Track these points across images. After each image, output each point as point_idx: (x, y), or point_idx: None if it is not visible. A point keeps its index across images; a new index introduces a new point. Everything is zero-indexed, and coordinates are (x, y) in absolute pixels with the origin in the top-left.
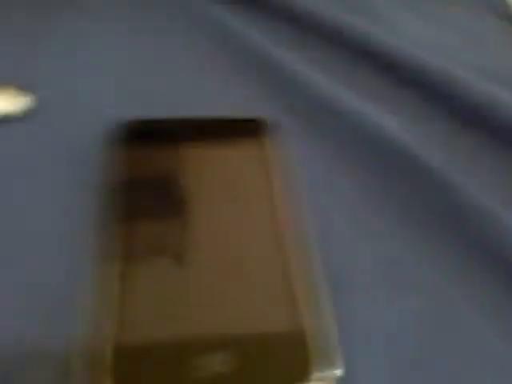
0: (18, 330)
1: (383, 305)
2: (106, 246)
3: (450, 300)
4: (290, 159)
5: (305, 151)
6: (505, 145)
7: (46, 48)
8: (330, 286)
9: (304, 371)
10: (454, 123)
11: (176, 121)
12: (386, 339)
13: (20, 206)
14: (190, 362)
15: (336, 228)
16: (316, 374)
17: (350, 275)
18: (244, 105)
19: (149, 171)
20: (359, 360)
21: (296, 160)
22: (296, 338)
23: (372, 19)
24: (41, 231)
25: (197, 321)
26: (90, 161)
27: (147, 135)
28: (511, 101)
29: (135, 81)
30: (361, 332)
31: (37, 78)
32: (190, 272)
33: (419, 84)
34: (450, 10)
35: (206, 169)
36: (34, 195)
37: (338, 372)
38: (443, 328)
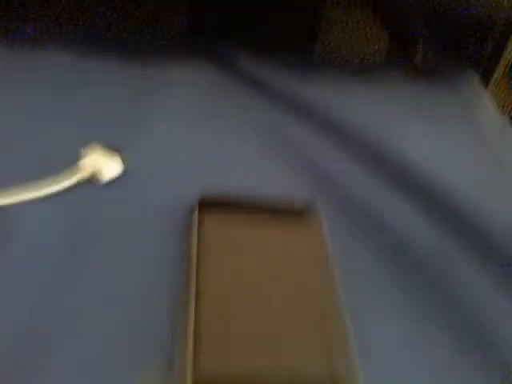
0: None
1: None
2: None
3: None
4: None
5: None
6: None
7: (138, 122)
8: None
9: None
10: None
11: (245, 202)
12: None
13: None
14: None
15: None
16: None
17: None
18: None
19: (220, 244)
20: None
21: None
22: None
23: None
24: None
25: (258, 360)
26: (170, 230)
27: (218, 210)
28: None
29: (213, 160)
30: None
31: (126, 146)
32: (255, 323)
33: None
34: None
35: (268, 242)
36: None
37: None
38: None
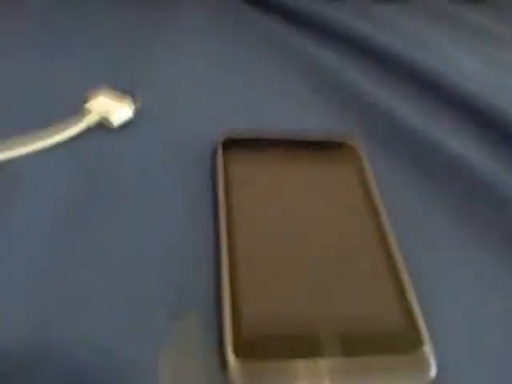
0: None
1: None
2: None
3: None
4: (372, 173)
5: (381, 167)
6: None
7: (150, 57)
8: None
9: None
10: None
11: (274, 138)
12: (474, 337)
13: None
14: (309, 351)
15: (419, 238)
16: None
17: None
18: (325, 123)
19: (252, 185)
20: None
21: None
22: (401, 336)
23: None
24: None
25: (311, 304)
26: (191, 174)
27: (247, 149)
28: None
29: (231, 96)
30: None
31: (138, 84)
32: (302, 261)
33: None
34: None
35: (305, 179)
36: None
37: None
38: None
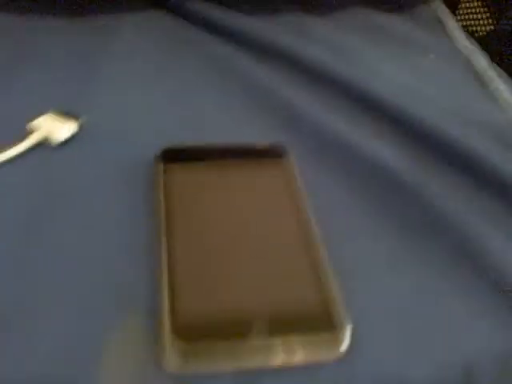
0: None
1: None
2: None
3: (433, 287)
4: (300, 178)
5: (310, 173)
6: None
7: (92, 81)
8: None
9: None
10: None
11: (209, 147)
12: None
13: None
14: (240, 332)
15: (342, 231)
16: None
17: (355, 269)
18: (259, 136)
19: (189, 190)
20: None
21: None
22: (318, 312)
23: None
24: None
25: (242, 295)
26: (133, 183)
27: (184, 159)
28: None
29: (168, 114)
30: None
31: (81, 105)
32: (233, 256)
33: (402, 123)
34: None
35: (237, 184)
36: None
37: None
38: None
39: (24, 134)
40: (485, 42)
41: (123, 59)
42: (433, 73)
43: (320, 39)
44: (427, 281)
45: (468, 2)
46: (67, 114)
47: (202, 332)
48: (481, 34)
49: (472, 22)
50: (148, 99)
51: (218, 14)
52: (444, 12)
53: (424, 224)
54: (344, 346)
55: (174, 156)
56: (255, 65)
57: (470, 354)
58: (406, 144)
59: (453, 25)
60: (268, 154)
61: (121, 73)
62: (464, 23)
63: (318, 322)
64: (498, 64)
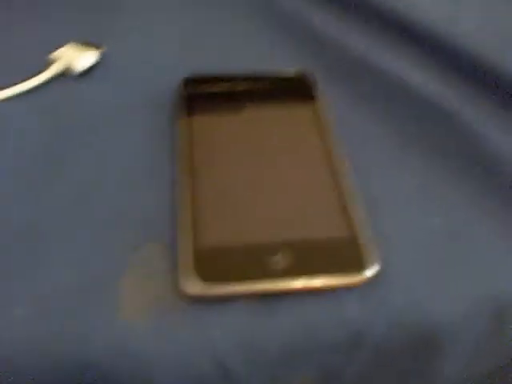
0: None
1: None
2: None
3: (465, 219)
4: (328, 107)
5: (339, 100)
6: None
7: (114, 11)
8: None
9: (355, 265)
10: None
11: (232, 76)
12: (415, 245)
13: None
14: (261, 260)
15: (371, 163)
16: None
17: (386, 199)
18: (286, 63)
19: (212, 122)
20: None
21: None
22: (344, 241)
23: None
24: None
25: (265, 226)
26: (155, 114)
27: (205, 90)
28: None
29: (192, 43)
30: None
31: (103, 35)
32: (256, 189)
33: (436, 48)
34: None
35: (262, 115)
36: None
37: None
38: (459, 238)
39: (46, 65)
40: None
41: None
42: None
43: None
44: (458, 211)
45: None
46: (89, 43)
47: (223, 260)
48: None
49: None
50: (172, 29)
51: None
52: None
53: (457, 152)
54: (371, 272)
55: (197, 85)
56: None
57: (501, 290)
58: (439, 70)
59: None
60: (295, 82)
61: (144, 2)
62: None
63: (345, 254)
64: None
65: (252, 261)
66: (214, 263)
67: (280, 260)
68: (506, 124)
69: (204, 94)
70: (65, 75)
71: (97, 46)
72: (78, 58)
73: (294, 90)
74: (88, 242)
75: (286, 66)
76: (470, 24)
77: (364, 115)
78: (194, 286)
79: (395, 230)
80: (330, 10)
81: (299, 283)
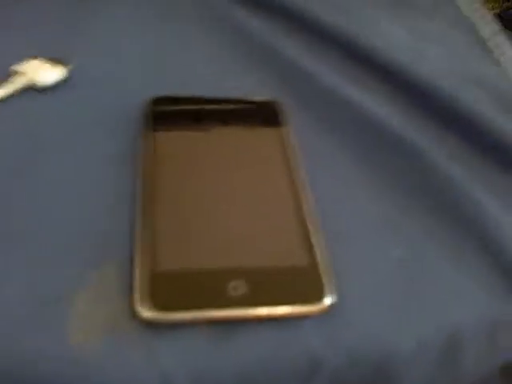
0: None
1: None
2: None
3: (424, 251)
4: (294, 134)
5: (306, 127)
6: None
7: (82, 28)
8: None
9: (311, 296)
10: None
11: (201, 98)
12: (374, 278)
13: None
14: (218, 287)
15: (333, 191)
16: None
17: (347, 229)
18: (251, 90)
19: (176, 142)
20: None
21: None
22: (304, 270)
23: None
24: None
25: (224, 252)
26: (118, 132)
27: (173, 110)
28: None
29: (158, 62)
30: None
31: (70, 52)
32: (217, 214)
33: (400, 80)
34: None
35: (228, 140)
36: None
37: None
38: (417, 271)
39: (9, 77)
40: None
41: (116, 4)
42: (435, 35)
43: None
44: (416, 243)
45: None
46: (55, 59)
47: (179, 286)
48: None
49: None
50: (139, 47)
51: None
52: None
53: (418, 184)
54: (329, 301)
55: (162, 106)
56: (252, 17)
57: (457, 319)
58: (404, 103)
59: None
60: (263, 108)
61: (112, 19)
62: None
63: (304, 283)
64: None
65: (209, 287)
66: (170, 288)
67: (238, 287)
68: (467, 159)
69: (171, 114)
70: (29, 90)
71: (63, 63)
72: (43, 72)
73: (261, 115)
74: (42, 258)
75: (256, 93)
76: (435, 63)
77: (329, 144)
78: (148, 311)
79: (354, 260)
80: (302, 41)
81: (257, 311)
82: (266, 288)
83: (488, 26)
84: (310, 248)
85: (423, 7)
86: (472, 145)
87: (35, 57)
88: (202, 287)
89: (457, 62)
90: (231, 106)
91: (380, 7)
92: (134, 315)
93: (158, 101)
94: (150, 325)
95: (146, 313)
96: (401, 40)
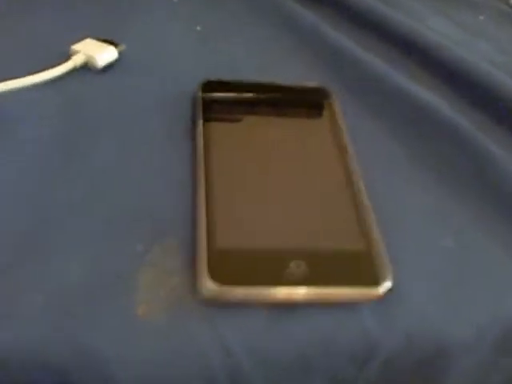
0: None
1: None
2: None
3: (476, 239)
4: (343, 120)
5: (353, 114)
6: None
7: (134, 8)
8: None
9: (368, 280)
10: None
11: (251, 83)
12: (427, 265)
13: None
14: (277, 267)
15: (382, 180)
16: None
17: (398, 217)
18: (300, 77)
19: (230, 126)
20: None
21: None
22: (361, 255)
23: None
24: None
25: (282, 233)
26: (175, 112)
27: (223, 94)
28: None
29: (207, 47)
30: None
31: (121, 34)
32: (276, 197)
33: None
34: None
35: (278, 126)
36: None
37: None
38: (471, 259)
39: (67, 56)
40: None
41: None
42: (482, 30)
43: None
44: (468, 231)
45: None
46: (107, 40)
47: (239, 264)
48: None
49: None
50: (188, 33)
51: None
52: None
53: (470, 172)
54: (385, 287)
55: (215, 88)
56: (302, 7)
57: (509, 313)
58: (453, 93)
59: None
60: (311, 95)
61: (160, 3)
62: None
63: (361, 267)
64: None
65: (270, 266)
66: (233, 265)
67: (298, 267)
68: None
69: (224, 98)
70: (85, 68)
71: (115, 44)
72: (97, 53)
73: (311, 100)
74: (102, 237)
75: (305, 79)
76: (485, 51)
77: (378, 130)
78: (211, 286)
79: (406, 248)
80: (352, 32)
81: (317, 291)
82: (327, 270)
83: None
84: (367, 233)
85: (471, 1)
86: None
87: (88, 35)
88: (263, 265)
89: (504, 54)
90: (281, 91)
91: (429, 2)
92: (198, 289)
93: (209, 84)
94: (213, 300)
95: (212, 286)
96: (450, 34)
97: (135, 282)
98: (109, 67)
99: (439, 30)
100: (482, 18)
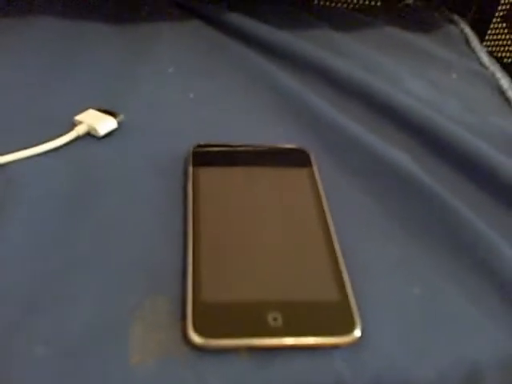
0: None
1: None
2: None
3: (441, 288)
4: (321, 179)
5: (327, 171)
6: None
7: (132, 80)
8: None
9: (340, 328)
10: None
11: (238, 146)
12: (396, 312)
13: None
14: (258, 317)
15: (353, 232)
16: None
17: (369, 267)
18: (283, 138)
19: (218, 184)
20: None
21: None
22: (332, 304)
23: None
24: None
25: (262, 287)
26: (165, 175)
27: (213, 155)
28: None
29: (198, 113)
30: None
31: (119, 104)
32: (256, 250)
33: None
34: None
35: (262, 182)
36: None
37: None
38: (436, 306)
39: (69, 127)
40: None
41: (159, 62)
42: (454, 89)
43: (346, 53)
44: (435, 281)
45: (496, 28)
46: (107, 110)
47: (223, 316)
48: (508, 60)
49: (499, 49)
50: (181, 101)
51: (251, 25)
52: (470, 33)
53: (436, 225)
54: (358, 333)
55: (204, 152)
56: (285, 77)
57: (475, 356)
58: (422, 152)
59: (478, 46)
60: (290, 155)
61: (156, 75)
62: (492, 49)
63: (336, 316)
64: None
65: (249, 318)
66: (214, 319)
67: (276, 318)
68: (479, 204)
69: (212, 159)
70: (88, 136)
71: (114, 114)
72: (98, 123)
73: (291, 160)
74: (102, 288)
75: (282, 140)
76: (453, 111)
77: (351, 186)
78: (199, 337)
79: (377, 296)
80: (329, 95)
81: (293, 340)
82: (301, 320)
83: (507, 77)
84: (340, 283)
85: (443, 60)
86: (488, 190)
87: (89, 106)
88: (244, 317)
89: (474, 114)
90: (265, 152)
91: (403, 62)
92: (184, 340)
93: (200, 147)
94: (199, 349)
95: (197, 339)
96: (423, 95)
97: (130, 332)
98: (109, 135)
99: (414, 91)
100: (454, 76)
